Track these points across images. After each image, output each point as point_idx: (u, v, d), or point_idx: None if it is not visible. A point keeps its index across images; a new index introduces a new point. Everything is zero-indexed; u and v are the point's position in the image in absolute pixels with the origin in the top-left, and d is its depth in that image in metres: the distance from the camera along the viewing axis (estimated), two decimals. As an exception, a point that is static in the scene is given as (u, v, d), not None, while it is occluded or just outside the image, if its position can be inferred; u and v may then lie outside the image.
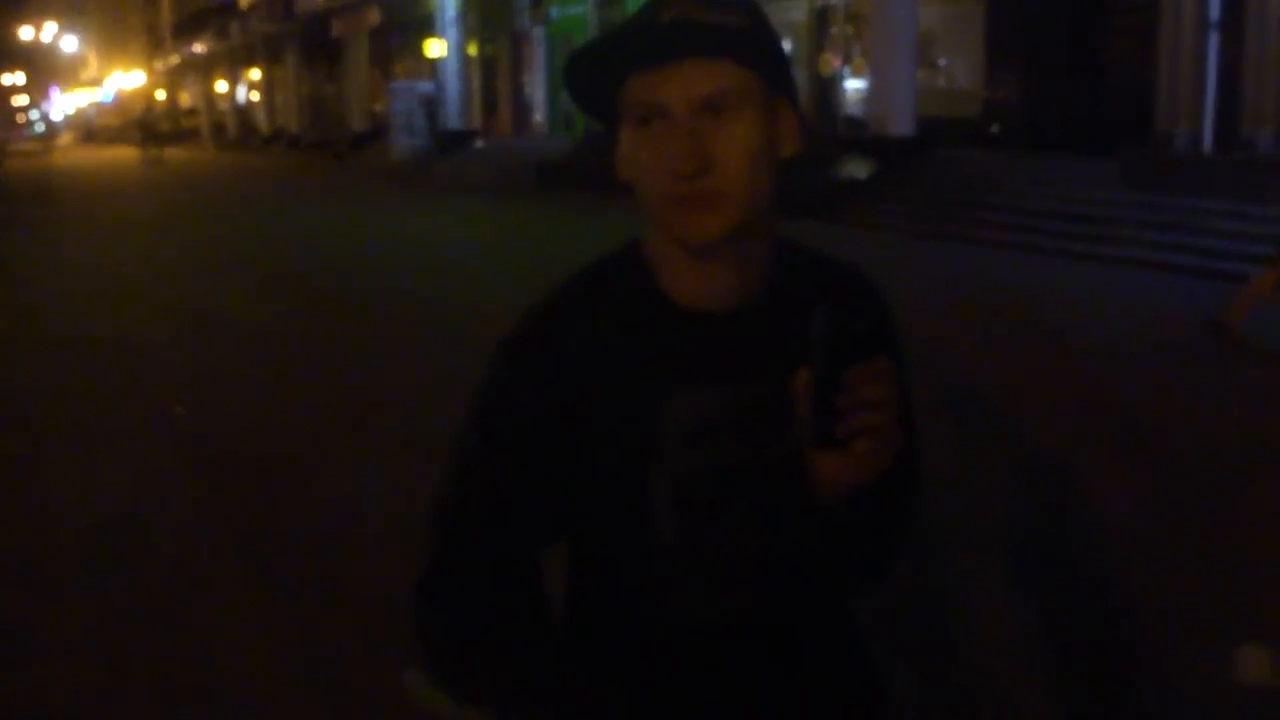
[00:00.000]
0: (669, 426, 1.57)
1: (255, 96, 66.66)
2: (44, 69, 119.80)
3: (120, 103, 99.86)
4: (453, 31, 38.26)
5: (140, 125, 54.76)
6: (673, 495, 1.58)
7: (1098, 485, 6.54)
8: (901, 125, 21.46)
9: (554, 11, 33.96)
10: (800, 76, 28.74)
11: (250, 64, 65.38)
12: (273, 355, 10.53)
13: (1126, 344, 10.31)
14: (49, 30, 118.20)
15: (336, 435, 7.91)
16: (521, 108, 41.16)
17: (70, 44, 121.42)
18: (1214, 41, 17.65)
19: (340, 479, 6.95)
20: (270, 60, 60.73)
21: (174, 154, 53.75)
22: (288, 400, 8.90)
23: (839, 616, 1.77)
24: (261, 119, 63.73)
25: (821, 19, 28.23)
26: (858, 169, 20.69)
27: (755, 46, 1.54)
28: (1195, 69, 17.69)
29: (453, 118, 38.26)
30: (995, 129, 22.78)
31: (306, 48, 55.16)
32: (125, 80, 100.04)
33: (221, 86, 73.01)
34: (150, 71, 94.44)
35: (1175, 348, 10.09)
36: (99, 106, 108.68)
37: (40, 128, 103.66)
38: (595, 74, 1.55)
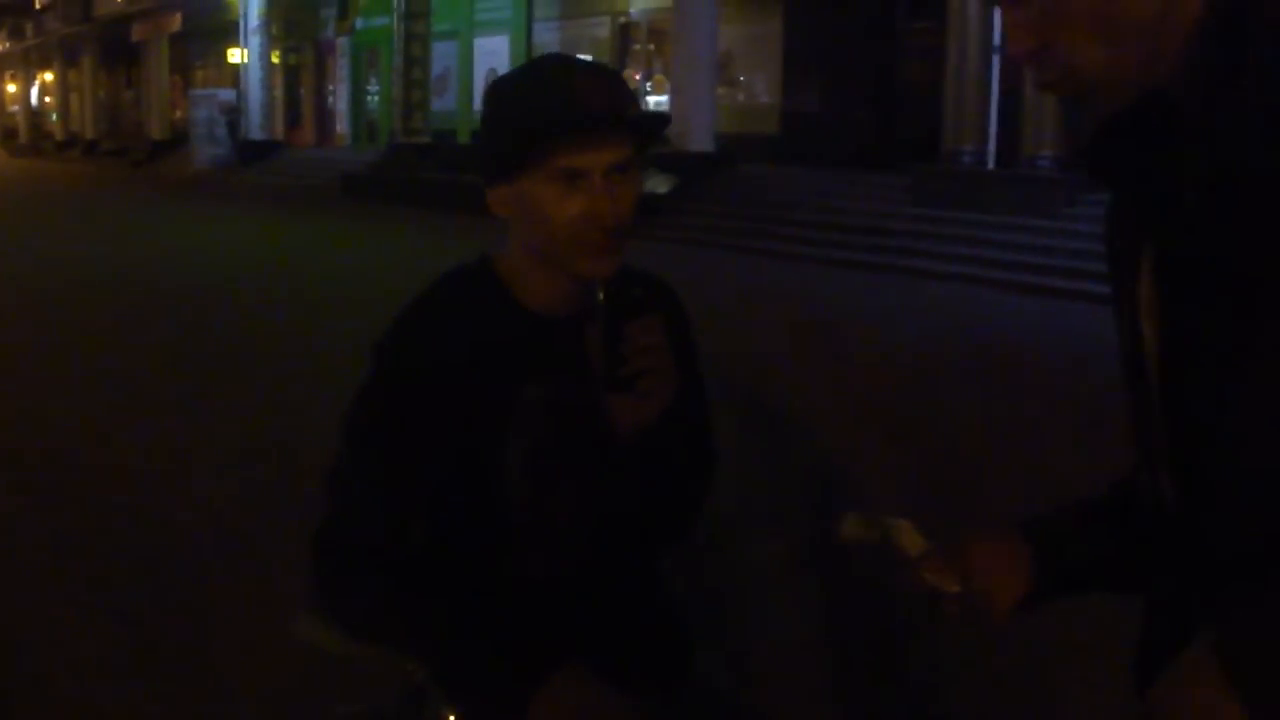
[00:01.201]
0: (521, 410, 1.93)
1: (49, 99, 64.84)
2: None
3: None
4: (256, 39, 37.85)
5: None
6: (524, 467, 1.94)
7: (870, 483, 6.88)
8: (701, 141, 21.94)
9: (359, 22, 33.79)
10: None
11: (45, 66, 63.54)
12: (46, 369, 10.38)
13: (909, 351, 10.77)
14: None
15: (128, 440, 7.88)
16: (325, 118, 40.78)
17: None
18: (997, 65, 18.47)
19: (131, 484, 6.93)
20: (66, 63, 59.10)
21: (-40, 158, 52.08)
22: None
23: (648, 571, 2.16)
24: (55, 124, 61.99)
25: (624, 35, 28.63)
26: (658, 184, 21.07)
27: (646, 128, 1.97)
28: (980, 91, 18.49)
29: (255, 127, 37.83)
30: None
31: (105, 51, 53.86)
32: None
33: (12, 88, 70.87)
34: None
35: (959, 355, 10.59)
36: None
37: None
38: (519, 144, 1.86)
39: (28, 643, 4.87)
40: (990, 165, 18.53)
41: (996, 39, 18.34)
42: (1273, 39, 1.32)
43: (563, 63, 1.94)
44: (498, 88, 1.95)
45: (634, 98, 1.93)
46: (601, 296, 1.86)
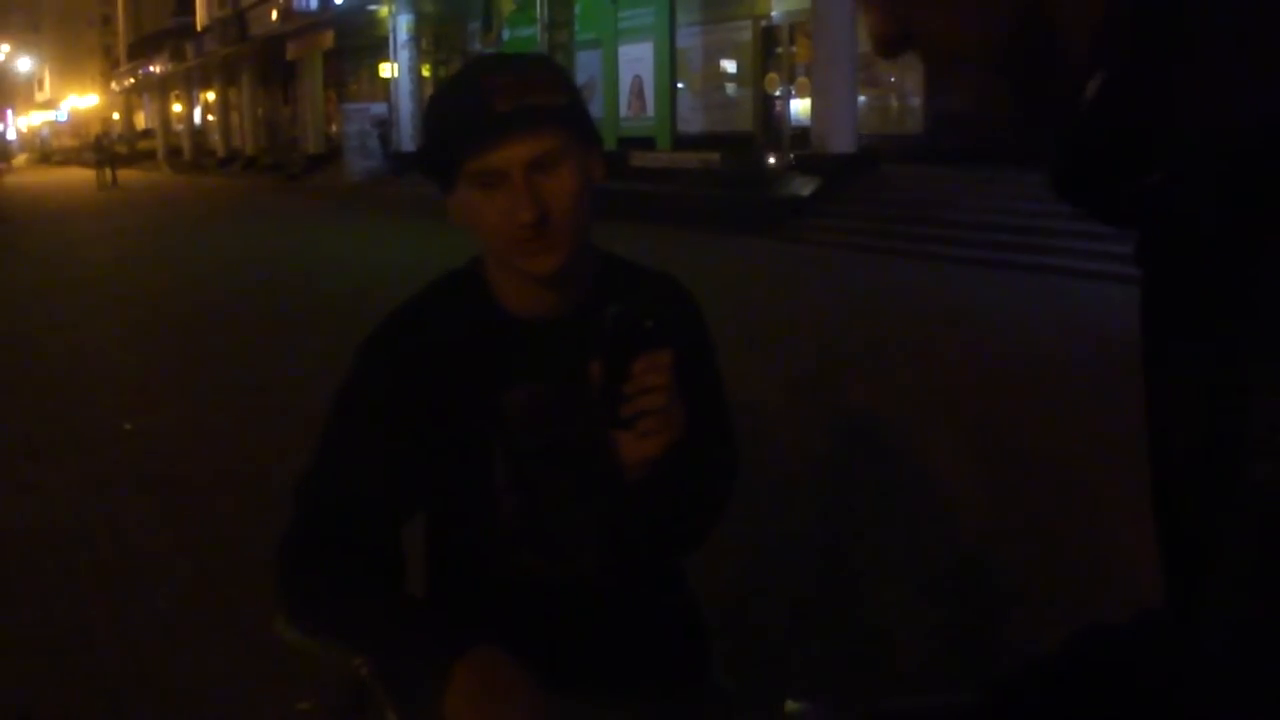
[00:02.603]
0: (508, 414, 1.92)
1: (211, 118, 66.60)
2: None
3: (75, 124, 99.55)
4: (405, 53, 38.49)
5: (96, 147, 54.46)
6: (512, 472, 1.93)
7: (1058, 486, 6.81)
8: (843, 143, 21.83)
9: (505, 33, 34.20)
10: (746, 95, 29.06)
11: (206, 86, 65.34)
12: (214, 375, 10.71)
13: (1065, 353, 10.60)
14: (2, 51, 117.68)
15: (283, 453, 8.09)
16: (474, 128, 41.31)
17: (25, 65, 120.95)
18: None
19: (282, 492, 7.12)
20: (226, 82, 60.74)
21: (129, 175, 53.52)
22: (232, 416, 9.08)
23: (662, 576, 2.12)
24: (217, 140, 63.67)
25: (767, 39, 28.57)
26: (801, 186, 21.03)
27: (571, 114, 1.88)
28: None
29: (406, 139, 38.45)
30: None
31: (261, 70, 55.23)
32: (80, 101, 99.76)
33: (177, 108, 72.95)
34: (105, 93, 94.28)
35: (1112, 356, 10.40)
36: (54, 127, 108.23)
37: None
38: (439, 153, 1.88)
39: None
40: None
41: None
42: None
43: (478, 65, 1.92)
44: (431, 99, 1.96)
45: (555, 84, 1.87)
46: (608, 324, 1.74)
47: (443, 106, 1.89)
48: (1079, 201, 1.04)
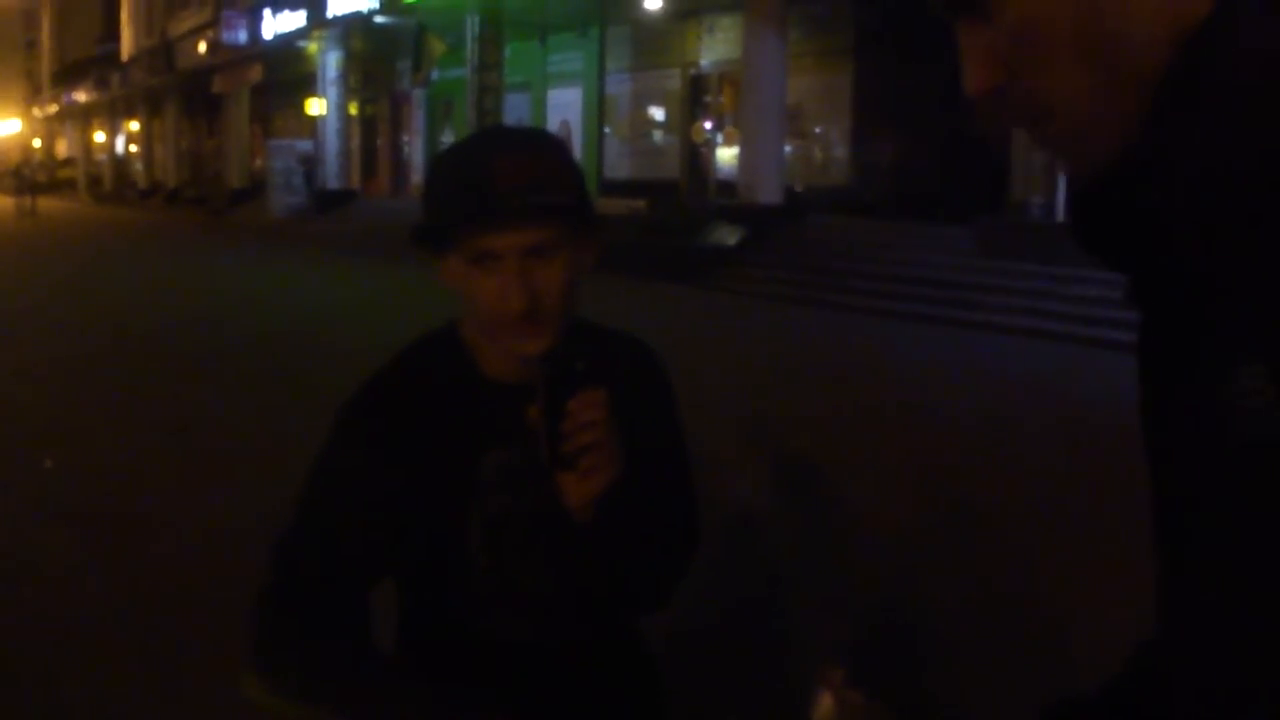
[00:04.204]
0: (482, 478, 1.94)
1: (134, 148, 66.01)
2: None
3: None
4: (334, 90, 38.36)
5: (15, 175, 53.79)
6: (486, 534, 1.95)
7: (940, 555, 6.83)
8: (770, 193, 21.99)
9: (434, 74, 34.17)
10: (673, 143, 29.23)
11: (130, 116, 64.77)
12: (132, 412, 10.57)
13: (979, 407, 10.70)
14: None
15: (193, 490, 8.01)
16: (400, 168, 41.28)
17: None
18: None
19: (200, 532, 7.05)
20: (150, 113, 60.24)
21: (49, 204, 52.96)
22: (150, 455, 8.96)
23: (622, 634, 2.16)
24: (139, 171, 63.07)
25: (695, 87, 28.78)
26: (726, 235, 21.13)
27: (577, 211, 1.89)
28: (1049, 143, 18.35)
29: (332, 177, 38.30)
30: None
31: (187, 101, 54.86)
32: (1, 127, 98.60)
33: (99, 137, 72.23)
34: (28, 119, 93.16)
35: (1029, 409, 10.53)
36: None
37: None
38: (437, 219, 1.87)
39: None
40: (1059, 217, 18.39)
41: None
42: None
43: (489, 141, 1.92)
44: (434, 163, 1.95)
45: (565, 178, 1.88)
46: (542, 370, 1.79)
47: (448, 176, 1.88)
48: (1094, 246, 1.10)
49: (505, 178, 1.80)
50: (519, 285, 1.82)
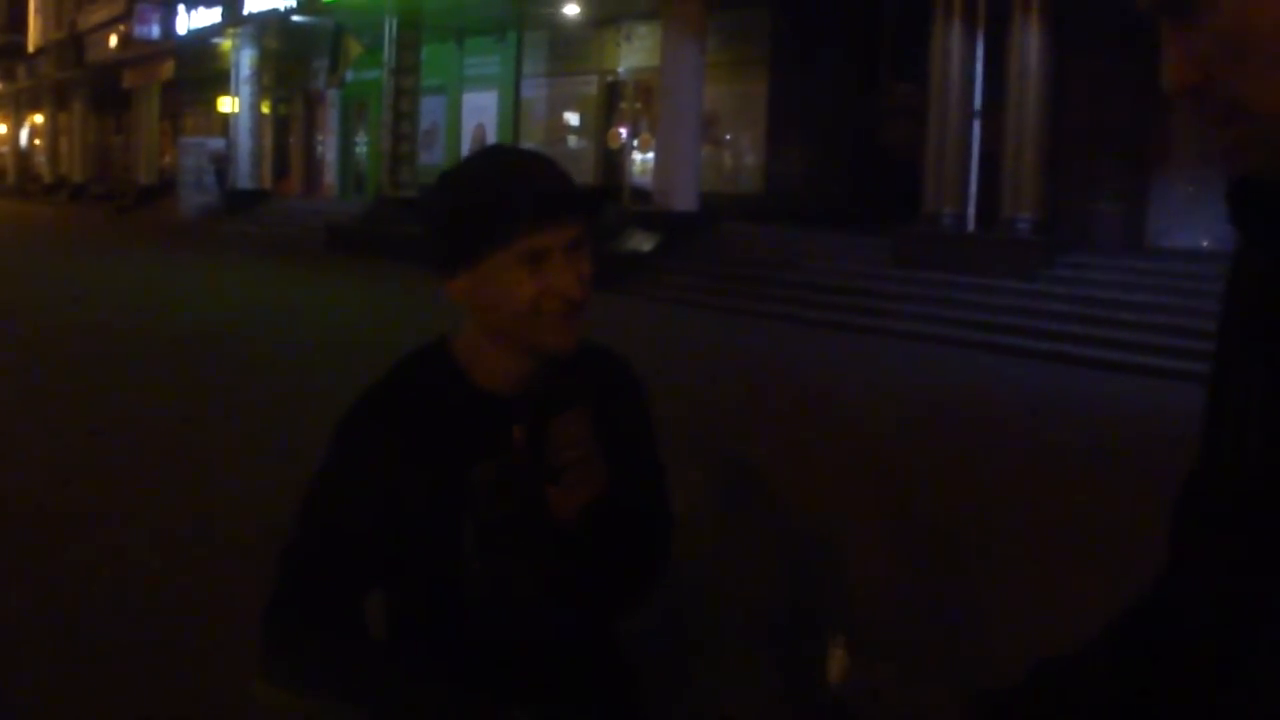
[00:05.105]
0: (475, 486, 2.00)
1: (38, 142, 64.83)
2: None
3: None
4: (247, 89, 37.96)
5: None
6: (478, 540, 2.02)
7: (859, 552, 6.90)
8: (685, 200, 22.09)
9: (349, 75, 33.97)
10: (589, 149, 29.27)
11: (35, 108, 63.58)
12: (43, 414, 10.41)
13: (893, 414, 10.83)
14: None
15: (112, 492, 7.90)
16: (313, 169, 40.91)
17: None
18: (977, 129, 18.65)
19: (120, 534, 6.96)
20: (57, 106, 59.09)
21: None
22: (68, 456, 8.83)
23: (603, 634, 2.25)
24: (43, 166, 61.95)
25: (612, 93, 28.84)
26: (641, 242, 21.20)
27: (604, 204, 2.14)
28: (960, 153, 18.65)
29: (244, 176, 37.89)
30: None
31: (96, 96, 53.93)
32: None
33: (1, 129, 70.90)
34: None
35: (939, 416, 10.67)
36: None
37: None
38: (486, 223, 1.94)
39: None
40: (970, 227, 18.68)
41: (978, 102, 18.55)
42: None
43: (514, 151, 2.06)
44: (453, 178, 2.02)
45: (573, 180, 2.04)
46: (528, 391, 1.94)
47: (491, 187, 1.96)
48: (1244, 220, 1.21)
49: (544, 177, 1.96)
50: (574, 276, 1.95)
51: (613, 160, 28.10)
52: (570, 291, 1.93)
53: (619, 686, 2.27)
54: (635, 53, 27.98)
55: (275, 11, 33.13)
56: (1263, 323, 1.20)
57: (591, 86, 29.37)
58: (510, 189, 1.93)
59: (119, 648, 5.27)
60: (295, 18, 33.41)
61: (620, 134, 27.66)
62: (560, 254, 1.93)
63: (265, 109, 39.62)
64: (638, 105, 27.96)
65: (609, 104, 28.95)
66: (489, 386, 2.05)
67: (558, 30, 29.64)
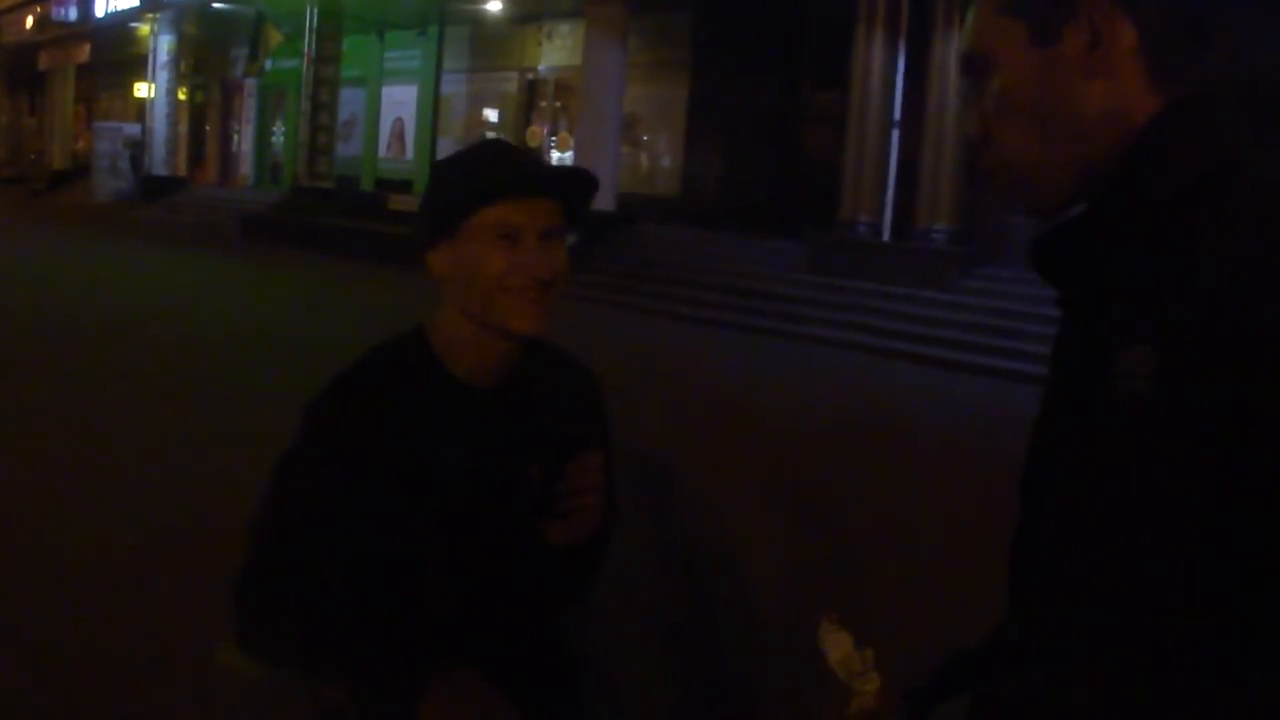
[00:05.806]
0: (442, 472, 2.09)
1: (-51, 123, 63.69)
2: None
3: None
4: (164, 75, 37.54)
5: None
6: (443, 524, 2.10)
7: (772, 552, 6.94)
8: (603, 200, 22.08)
9: (269, 63, 33.65)
10: (509, 145, 29.21)
11: (-55, 89, 62.49)
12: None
13: (803, 418, 10.91)
14: None
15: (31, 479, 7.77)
16: (229, 157, 40.48)
17: None
18: (896, 138, 18.83)
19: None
20: (-33, 87, 58.12)
21: None
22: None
23: (547, 622, 2.33)
24: (-47, 147, 60.82)
25: (532, 91, 28.81)
26: (558, 239, 21.18)
27: (587, 194, 2.18)
28: (878, 163, 18.83)
29: (159, 163, 37.44)
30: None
31: (9, 77, 53.00)
32: None
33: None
34: None
35: (852, 423, 10.76)
36: None
37: None
38: (466, 196, 2.06)
39: None
40: (886, 236, 18.86)
41: (897, 113, 18.73)
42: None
43: (503, 141, 2.28)
44: (447, 160, 2.18)
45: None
46: (547, 433, 2.03)
47: (476, 166, 2.10)
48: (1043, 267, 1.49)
49: (529, 162, 2.14)
50: (542, 256, 2.05)
51: (531, 158, 28.05)
52: (538, 270, 2.02)
53: (567, 673, 2.34)
54: (556, 51, 27.98)
55: (195, -3, 32.79)
56: (1054, 358, 1.48)
57: (512, 84, 29.33)
58: (493, 168, 2.05)
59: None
60: (216, 4, 33.13)
61: (539, 131, 27.62)
62: (534, 237, 2.03)
63: (182, 95, 39.14)
64: (557, 104, 27.96)
65: (529, 102, 28.92)
66: (463, 376, 2.13)
67: (479, 26, 29.57)
